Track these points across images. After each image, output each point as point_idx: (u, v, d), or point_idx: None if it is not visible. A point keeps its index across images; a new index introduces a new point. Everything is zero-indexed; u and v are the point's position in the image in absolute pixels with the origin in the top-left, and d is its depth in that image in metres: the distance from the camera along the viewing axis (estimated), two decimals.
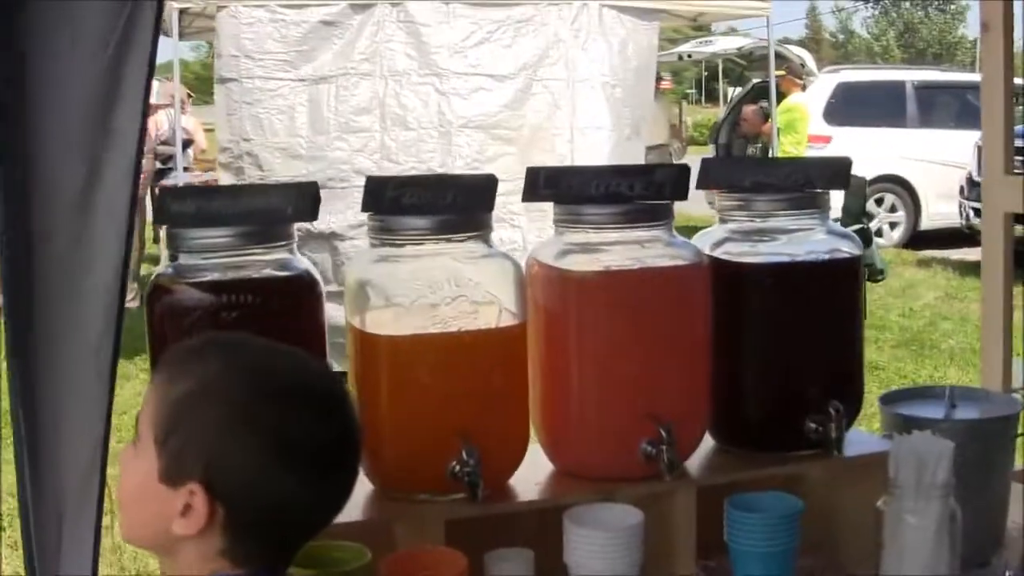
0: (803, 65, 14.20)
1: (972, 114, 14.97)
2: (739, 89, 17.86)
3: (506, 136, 7.49)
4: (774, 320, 2.20)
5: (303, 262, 2.05)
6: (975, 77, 18.16)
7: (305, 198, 2.00)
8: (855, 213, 10.33)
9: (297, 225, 2.05)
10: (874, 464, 2.12)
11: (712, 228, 2.28)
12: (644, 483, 2.07)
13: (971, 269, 12.00)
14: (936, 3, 57.99)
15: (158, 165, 10.35)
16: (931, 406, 2.35)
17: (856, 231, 9.83)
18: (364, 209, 2.02)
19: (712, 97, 36.46)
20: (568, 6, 7.64)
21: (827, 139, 13.43)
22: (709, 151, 16.67)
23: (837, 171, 2.23)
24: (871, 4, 59.26)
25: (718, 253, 2.21)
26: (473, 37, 7.45)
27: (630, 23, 7.85)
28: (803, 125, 12.43)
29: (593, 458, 2.10)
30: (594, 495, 2.06)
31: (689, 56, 18.00)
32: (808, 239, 2.21)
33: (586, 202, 2.06)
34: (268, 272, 2.01)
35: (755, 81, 15.93)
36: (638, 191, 2.07)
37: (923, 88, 14.42)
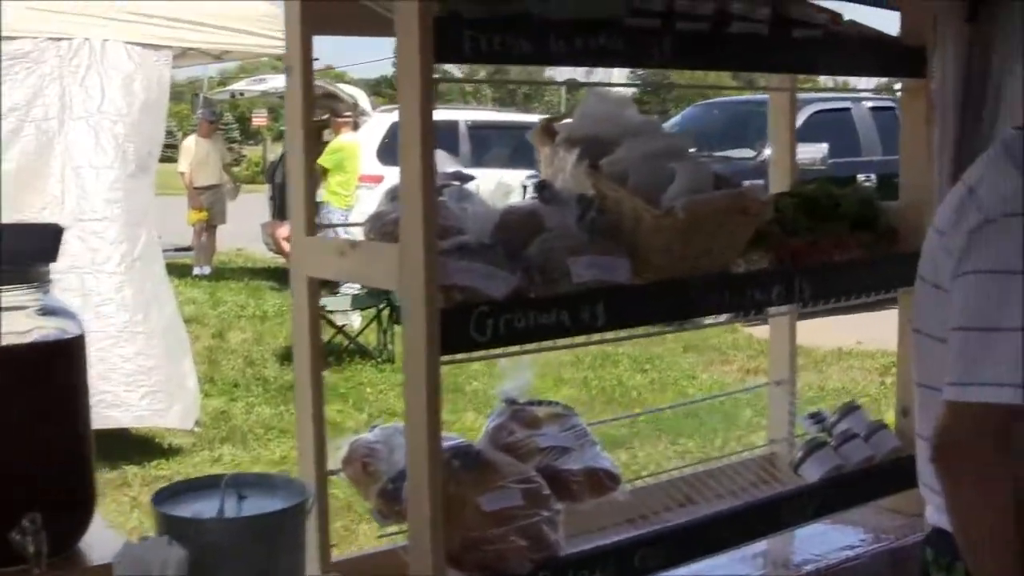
0: (356, 104, 14.17)
1: (526, 153, 15.40)
2: None
3: None
4: None
5: None
6: (528, 118, 18.87)
7: None
8: None
9: None
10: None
11: None
12: None
13: None
14: None
15: None
16: (215, 500, 2.12)
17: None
18: None
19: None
20: (68, 41, 7.18)
21: (379, 178, 13.41)
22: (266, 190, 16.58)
23: (47, 241, 1.96)
24: None
25: None
26: None
27: (139, 57, 7.43)
28: (352, 164, 12.39)
29: None
30: None
31: (242, 94, 17.67)
32: (15, 320, 1.92)
33: None
34: None
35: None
36: None
37: (477, 128, 14.72)
